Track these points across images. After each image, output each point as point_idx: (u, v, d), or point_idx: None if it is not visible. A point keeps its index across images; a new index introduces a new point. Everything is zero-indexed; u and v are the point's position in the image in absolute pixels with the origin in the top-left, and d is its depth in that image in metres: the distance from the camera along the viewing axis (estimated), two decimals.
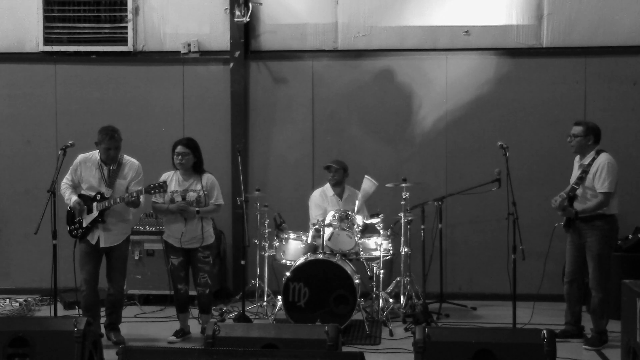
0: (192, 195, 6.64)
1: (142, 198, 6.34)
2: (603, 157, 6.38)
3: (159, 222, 8.02)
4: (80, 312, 6.50)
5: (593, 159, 6.39)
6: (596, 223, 6.35)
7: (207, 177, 6.75)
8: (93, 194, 6.39)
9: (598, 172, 6.31)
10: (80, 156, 6.54)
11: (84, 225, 6.38)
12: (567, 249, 6.61)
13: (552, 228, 6.56)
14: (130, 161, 6.58)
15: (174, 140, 8.47)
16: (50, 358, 4.78)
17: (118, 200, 6.31)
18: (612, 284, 6.54)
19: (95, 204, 6.36)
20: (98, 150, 6.45)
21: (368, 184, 7.48)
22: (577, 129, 6.48)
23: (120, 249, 6.51)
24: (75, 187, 6.49)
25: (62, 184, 6.51)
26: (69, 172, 6.52)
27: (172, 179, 6.72)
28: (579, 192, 6.37)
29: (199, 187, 6.66)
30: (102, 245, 6.41)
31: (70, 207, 6.44)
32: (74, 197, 6.38)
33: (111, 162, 6.45)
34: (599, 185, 6.30)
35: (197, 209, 6.58)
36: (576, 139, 6.46)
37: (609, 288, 6.46)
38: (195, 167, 6.72)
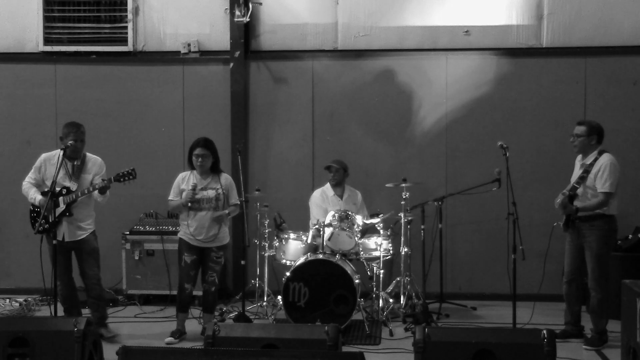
0: (210, 194, 6.66)
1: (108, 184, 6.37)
2: (606, 158, 6.38)
3: (159, 222, 8.05)
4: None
5: (595, 159, 6.39)
6: (596, 223, 6.35)
7: (226, 177, 6.82)
8: (58, 189, 6.42)
9: (600, 172, 6.31)
10: (43, 155, 6.64)
11: (51, 219, 6.39)
12: (566, 249, 6.61)
13: (551, 228, 6.56)
14: (93, 157, 6.65)
15: (174, 140, 8.52)
16: (50, 358, 4.78)
17: (85, 191, 6.36)
18: (612, 284, 6.54)
19: (61, 197, 6.41)
20: (60, 148, 6.42)
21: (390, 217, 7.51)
22: (580, 129, 6.47)
23: (87, 243, 6.56)
24: (38, 185, 6.56)
25: (25, 183, 6.59)
26: (32, 170, 6.60)
27: (190, 178, 6.75)
28: (579, 191, 6.38)
29: (217, 185, 6.69)
30: (66, 239, 6.48)
31: (34, 206, 6.52)
32: (39, 197, 6.46)
33: (76, 155, 6.51)
34: (600, 185, 6.30)
35: (226, 211, 6.67)
36: (579, 139, 6.46)
37: (608, 288, 6.47)
38: (213, 167, 6.76)
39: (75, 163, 6.54)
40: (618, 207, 6.51)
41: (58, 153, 6.49)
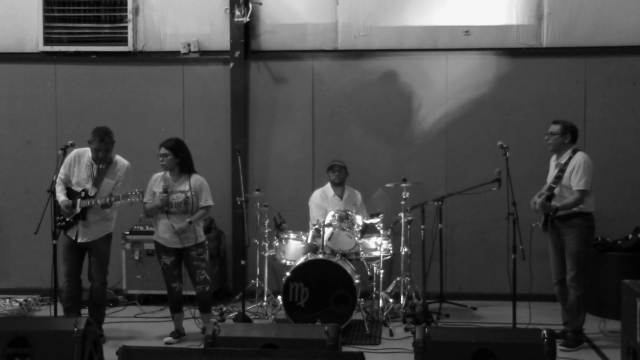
0: (179, 197, 6.63)
1: (119, 202, 6.38)
2: (579, 156, 6.44)
3: None
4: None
5: (570, 158, 6.45)
6: (574, 221, 6.39)
7: (196, 179, 6.72)
8: (80, 189, 6.47)
9: (575, 170, 6.36)
10: (74, 151, 6.61)
11: (67, 219, 6.46)
12: (549, 251, 6.65)
13: (538, 228, 6.54)
14: (121, 162, 6.63)
15: None
16: (50, 358, 4.79)
17: (98, 201, 6.37)
18: (612, 284, 6.54)
19: (79, 200, 6.43)
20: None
21: (380, 195, 7.55)
22: (555, 127, 6.55)
23: (97, 245, 6.56)
24: (66, 182, 6.56)
25: (57, 178, 6.56)
26: (62, 166, 6.56)
27: (160, 180, 6.72)
28: (556, 191, 6.40)
29: (186, 188, 6.65)
30: (79, 240, 6.50)
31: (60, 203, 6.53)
32: (62, 197, 6.46)
33: (100, 162, 6.52)
34: (575, 183, 6.35)
35: (188, 220, 6.57)
36: (553, 137, 6.53)
37: (587, 285, 6.51)
38: (181, 168, 6.70)
39: (100, 166, 6.53)
40: (595, 205, 6.53)
41: (88, 151, 6.54)
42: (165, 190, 6.57)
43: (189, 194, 6.62)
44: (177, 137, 6.90)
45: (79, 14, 8.49)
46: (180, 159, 6.67)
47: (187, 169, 6.72)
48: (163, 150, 6.66)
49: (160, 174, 6.77)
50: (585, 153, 6.54)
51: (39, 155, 8.55)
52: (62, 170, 6.54)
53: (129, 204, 6.43)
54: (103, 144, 6.45)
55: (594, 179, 6.46)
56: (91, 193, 6.44)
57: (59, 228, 6.47)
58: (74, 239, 6.50)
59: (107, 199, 6.34)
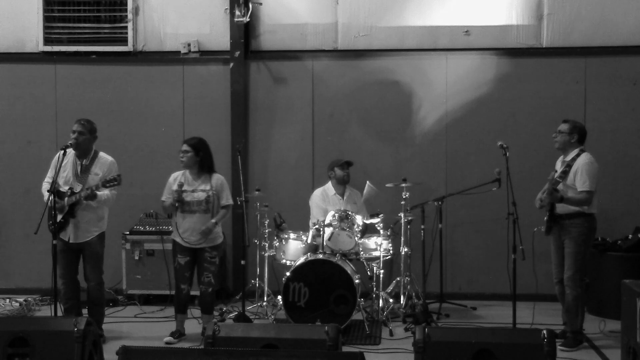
0: (201, 196, 6.65)
1: (105, 192, 6.37)
2: (584, 157, 6.44)
3: (159, 222, 8.05)
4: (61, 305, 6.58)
5: (576, 155, 6.45)
6: (575, 221, 6.39)
7: (217, 178, 6.79)
8: (67, 188, 6.45)
9: (579, 170, 6.37)
10: (58, 153, 6.57)
11: (58, 219, 6.42)
12: (551, 250, 6.65)
13: (541, 230, 6.53)
14: (104, 157, 6.62)
15: (174, 140, 8.52)
16: (50, 358, 4.78)
17: (82, 194, 6.34)
18: (612, 284, 6.54)
19: (66, 198, 6.42)
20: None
21: (369, 190, 7.54)
22: (564, 126, 6.56)
23: (90, 245, 6.54)
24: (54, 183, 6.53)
25: (44, 183, 6.57)
26: (50, 169, 6.57)
27: (179, 179, 6.75)
28: (560, 186, 6.39)
29: (207, 187, 6.69)
30: (71, 241, 6.47)
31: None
32: (47, 195, 6.41)
33: (79, 150, 6.48)
34: (580, 184, 6.35)
35: (214, 220, 6.64)
36: (561, 135, 6.54)
37: (584, 286, 6.52)
38: (201, 167, 6.74)
39: (83, 162, 6.53)
40: (598, 207, 6.51)
41: (71, 151, 6.51)
42: (180, 186, 6.61)
43: (210, 192, 6.66)
44: (200, 137, 6.91)
45: (79, 14, 8.49)
46: (200, 158, 6.72)
47: (206, 168, 6.77)
48: (184, 147, 6.72)
49: (180, 172, 6.81)
50: (591, 155, 6.51)
51: (39, 155, 8.53)
52: (49, 173, 6.55)
53: (112, 189, 6.40)
54: (78, 125, 6.46)
55: (598, 180, 6.45)
56: (77, 189, 6.42)
57: (51, 231, 6.45)
58: (67, 240, 6.48)
59: (89, 190, 6.29)
